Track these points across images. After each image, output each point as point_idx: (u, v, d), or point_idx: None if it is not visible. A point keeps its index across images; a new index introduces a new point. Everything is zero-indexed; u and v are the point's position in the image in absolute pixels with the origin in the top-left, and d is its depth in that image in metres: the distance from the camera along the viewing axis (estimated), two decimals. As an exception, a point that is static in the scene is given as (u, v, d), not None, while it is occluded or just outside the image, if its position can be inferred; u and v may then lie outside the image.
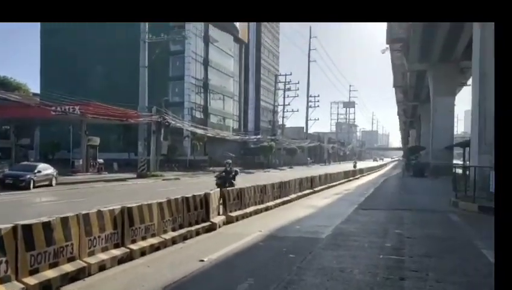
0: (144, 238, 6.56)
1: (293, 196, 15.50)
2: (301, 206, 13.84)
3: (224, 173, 13.65)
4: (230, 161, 14.25)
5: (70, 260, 5.12)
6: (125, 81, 44.05)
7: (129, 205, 6.38)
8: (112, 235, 5.88)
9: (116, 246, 5.96)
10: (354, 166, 44.35)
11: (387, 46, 38.22)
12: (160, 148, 34.34)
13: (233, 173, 13.58)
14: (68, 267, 5.03)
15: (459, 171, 16.14)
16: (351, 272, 5.51)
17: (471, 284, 5.09)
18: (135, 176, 29.22)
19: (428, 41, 29.88)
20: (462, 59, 30.16)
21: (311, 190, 18.44)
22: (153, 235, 6.80)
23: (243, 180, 23.40)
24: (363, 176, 37.75)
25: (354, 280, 5.18)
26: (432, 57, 32.62)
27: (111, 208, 6.04)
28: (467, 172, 14.41)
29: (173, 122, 35.81)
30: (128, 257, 6.07)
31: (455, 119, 77.58)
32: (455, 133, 58.95)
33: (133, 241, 6.30)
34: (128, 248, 6.12)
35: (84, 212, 5.51)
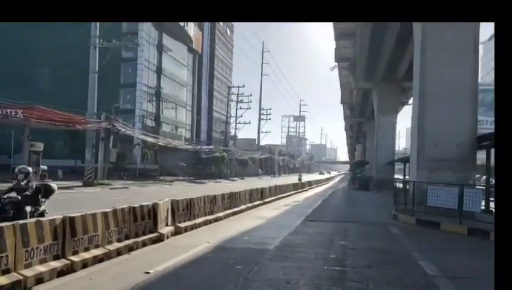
0: (86, 249, 6.32)
1: (243, 207, 15.56)
2: (251, 217, 13.92)
3: (13, 192, 7.14)
4: (26, 170, 7.45)
5: (5, 272, 4.83)
6: (75, 86, 42.39)
7: (71, 215, 6.14)
8: (51, 246, 5.62)
9: (56, 257, 5.69)
10: (299, 179, 44.75)
11: (336, 64, 39.69)
12: (109, 156, 33.26)
13: (32, 190, 7.23)
14: (2, 280, 4.74)
15: (400, 185, 16.90)
16: (296, 284, 5.60)
17: (408, 294, 5.34)
18: (81, 184, 28.08)
19: (373, 61, 31.40)
20: (404, 80, 31.97)
21: (261, 201, 18.60)
22: (97, 246, 6.57)
23: (194, 191, 23.15)
24: (312, 188, 38.57)
25: (299, 291, 5.29)
26: (376, 76, 34.27)
27: (51, 217, 5.78)
28: (407, 186, 15.14)
29: (123, 129, 34.94)
30: (69, 269, 5.81)
31: (397, 136, 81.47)
32: (397, 149, 61.85)
33: (75, 253, 6.05)
34: (69, 260, 5.87)
35: (21, 222, 5.25)
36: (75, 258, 5.98)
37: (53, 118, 27.23)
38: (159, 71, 56.12)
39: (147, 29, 51.73)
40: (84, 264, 6.13)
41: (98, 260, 6.45)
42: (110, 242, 6.96)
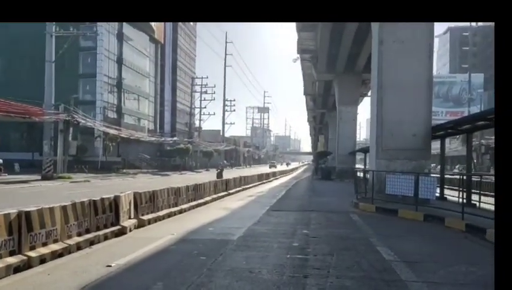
0: (44, 245, 6.15)
1: (208, 198, 15.56)
2: (216, 208, 13.95)
3: None
4: None
5: (-43, 270, 4.65)
6: (30, 77, 40.65)
7: (27, 209, 5.95)
8: (6, 242, 5.44)
9: (12, 253, 5.52)
10: (272, 166, 45.78)
11: (298, 55, 40.10)
12: (68, 148, 32.27)
13: None
14: (-46, 279, 4.57)
15: (360, 174, 17.39)
16: (260, 272, 5.69)
17: (366, 278, 5.52)
18: (39, 177, 27.10)
19: (334, 53, 32.02)
20: (364, 71, 32.83)
21: (226, 192, 18.66)
22: (55, 241, 6.41)
23: (157, 183, 22.88)
24: (276, 178, 38.99)
25: (261, 280, 5.36)
26: (337, 68, 34.98)
27: (6, 212, 5.58)
28: (367, 175, 15.62)
29: (83, 121, 33.98)
30: (26, 265, 5.66)
31: (358, 127, 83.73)
32: (358, 139, 63.58)
33: (32, 248, 5.89)
34: (26, 255, 5.70)
35: (-26, 217, 5.05)
36: (32, 254, 5.82)
37: (8, 109, 25.98)
38: (120, 61, 54.67)
39: (106, 18, 50.15)
40: (42, 260, 5.97)
41: (57, 255, 6.30)
42: (69, 236, 6.81)
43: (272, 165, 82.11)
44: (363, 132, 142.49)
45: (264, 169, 48.41)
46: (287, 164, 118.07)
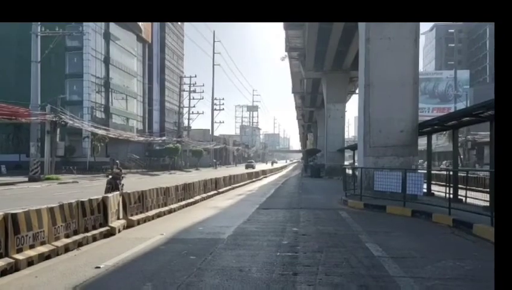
0: (32, 247, 6.10)
1: (198, 197, 15.53)
2: (205, 207, 13.93)
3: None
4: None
5: None
6: (16, 77, 40.05)
7: (14, 211, 5.88)
8: (-7, 246, 5.38)
9: (-1, 256, 5.47)
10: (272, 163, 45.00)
11: (286, 54, 40.19)
12: (56, 149, 31.94)
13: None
14: None
15: (349, 171, 17.50)
16: (249, 271, 5.71)
17: (355, 275, 5.57)
18: (27, 179, 26.77)
19: (322, 51, 32.14)
20: (352, 69, 33.04)
21: (216, 191, 18.65)
22: (43, 243, 6.35)
23: (147, 183, 22.74)
24: (266, 177, 39.03)
25: (251, 278, 5.38)
26: (325, 66, 35.13)
27: (-8, 215, 5.52)
28: (355, 172, 15.73)
29: (71, 121, 33.69)
30: (13, 268, 5.60)
31: (347, 124, 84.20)
32: (347, 136, 63.95)
33: (19, 251, 5.83)
34: (12, 258, 5.64)
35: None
36: (19, 257, 5.76)
37: (-7, 111, 25.68)
38: (107, 61, 54.19)
39: (93, 17, 49.64)
40: (30, 262, 5.92)
41: (44, 257, 6.24)
42: (57, 238, 6.75)
43: (249, 166, 63.65)
44: (351, 129, 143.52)
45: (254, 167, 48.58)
46: (272, 163, 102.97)
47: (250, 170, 39.51)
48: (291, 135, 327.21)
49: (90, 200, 7.99)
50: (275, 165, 73.61)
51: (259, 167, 60.43)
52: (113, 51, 55.62)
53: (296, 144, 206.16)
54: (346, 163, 38.16)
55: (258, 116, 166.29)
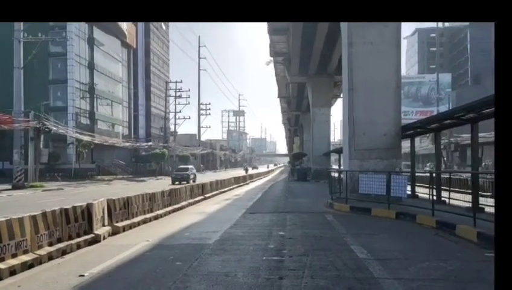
0: (14, 256, 6.00)
1: (184, 203, 15.46)
2: (192, 213, 13.88)
3: None
4: None
5: None
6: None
7: (-5, 221, 5.79)
8: (-26, 255, 5.28)
9: (-20, 266, 5.37)
10: (246, 171, 45.06)
11: (271, 58, 40.37)
12: (40, 156, 31.54)
13: None
14: None
15: (335, 175, 17.62)
16: (235, 276, 5.70)
17: (340, 278, 5.60)
18: (10, 187, 26.33)
19: (306, 56, 32.38)
20: (336, 73, 33.36)
21: (203, 197, 18.59)
22: (26, 252, 6.26)
23: (133, 189, 22.56)
24: (253, 181, 39.05)
25: (237, 283, 5.37)
26: (310, 70, 35.39)
27: (-27, 224, 5.43)
28: (341, 176, 15.85)
29: (55, 128, 33.31)
30: (-5, 278, 5.51)
31: (332, 128, 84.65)
32: (333, 140, 64.40)
33: (1, 260, 5.73)
34: (-6, 268, 5.55)
35: None
36: (1, 266, 5.67)
37: (-26, 118, 25.26)
38: (91, 66, 53.71)
39: (76, 23, 49.26)
40: (12, 272, 5.82)
41: (27, 266, 6.15)
42: (40, 247, 6.65)
43: (246, 169, 59.01)
44: (337, 133, 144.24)
45: (240, 172, 48.26)
46: (253, 168, 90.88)
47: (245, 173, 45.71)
48: (278, 139, 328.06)
49: (74, 208, 7.90)
50: (252, 171, 61.33)
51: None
52: (97, 57, 55.15)
53: (282, 148, 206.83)
54: (332, 166, 38.40)
55: (244, 121, 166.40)
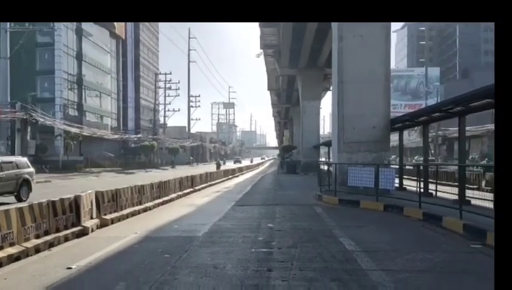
0: (0, 248, 5.94)
1: (174, 195, 15.42)
2: (181, 205, 13.85)
3: None
4: None
5: None
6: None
7: (-20, 213, 5.72)
8: (-41, 248, 5.21)
9: (-35, 259, 5.31)
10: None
11: (262, 51, 40.20)
12: (27, 148, 31.17)
13: None
14: None
15: (324, 167, 17.70)
16: (224, 268, 5.72)
17: (328, 269, 5.65)
18: (-6, 179, 25.91)
19: (296, 49, 32.33)
20: (326, 66, 33.33)
21: (192, 189, 18.56)
22: (12, 244, 6.20)
23: (122, 181, 22.40)
24: (242, 174, 39.10)
25: (226, 275, 5.39)
26: (300, 63, 35.35)
27: (-42, 217, 5.35)
28: (330, 168, 15.94)
29: (42, 119, 32.92)
30: (-19, 271, 5.45)
31: (322, 121, 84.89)
32: (323, 133, 64.58)
33: (-13, 253, 5.68)
34: (-20, 261, 5.49)
35: None
36: (-14, 259, 5.61)
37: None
38: (79, 57, 53.01)
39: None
40: (-2, 265, 5.76)
41: (13, 258, 6.10)
42: (27, 239, 6.60)
43: (237, 161, 57.23)
44: (327, 126, 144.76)
45: (228, 165, 47.96)
46: (235, 162, 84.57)
47: (238, 165, 48.82)
48: (268, 131, 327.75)
49: (62, 200, 7.83)
50: (239, 165, 58.36)
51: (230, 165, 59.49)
52: (85, 47, 54.43)
53: (272, 140, 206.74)
54: (321, 159, 38.58)
55: (234, 114, 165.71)
